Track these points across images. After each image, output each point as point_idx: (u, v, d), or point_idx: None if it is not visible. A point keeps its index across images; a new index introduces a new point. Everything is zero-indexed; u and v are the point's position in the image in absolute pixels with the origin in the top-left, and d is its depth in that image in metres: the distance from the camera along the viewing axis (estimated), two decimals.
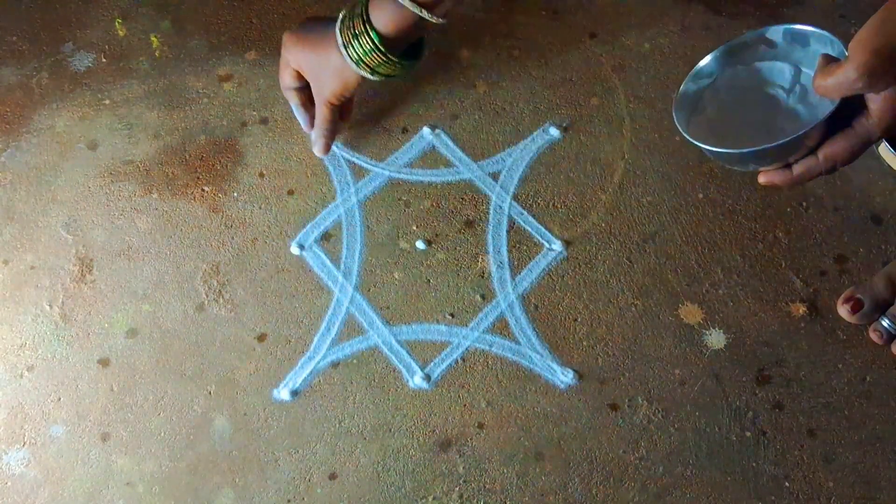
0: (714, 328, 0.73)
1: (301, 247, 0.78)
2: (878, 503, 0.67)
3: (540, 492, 0.69)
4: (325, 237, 0.78)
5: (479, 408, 0.71)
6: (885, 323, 0.69)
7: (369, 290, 0.76)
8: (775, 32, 0.59)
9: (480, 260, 0.77)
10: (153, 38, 0.89)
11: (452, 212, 0.79)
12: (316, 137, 0.77)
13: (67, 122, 0.85)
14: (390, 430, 0.71)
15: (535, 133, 0.81)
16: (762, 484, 0.68)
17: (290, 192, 0.80)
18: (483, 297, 0.75)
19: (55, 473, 0.71)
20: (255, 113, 0.84)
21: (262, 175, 0.81)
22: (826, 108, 0.53)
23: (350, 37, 0.66)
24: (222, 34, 0.89)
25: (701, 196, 0.78)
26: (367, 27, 0.65)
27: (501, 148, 0.81)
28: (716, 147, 0.56)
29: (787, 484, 0.68)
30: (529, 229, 0.77)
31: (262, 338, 0.75)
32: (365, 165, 0.81)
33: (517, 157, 0.80)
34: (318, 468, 0.70)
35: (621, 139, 0.81)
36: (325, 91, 0.72)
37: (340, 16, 0.68)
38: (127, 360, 0.75)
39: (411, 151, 0.81)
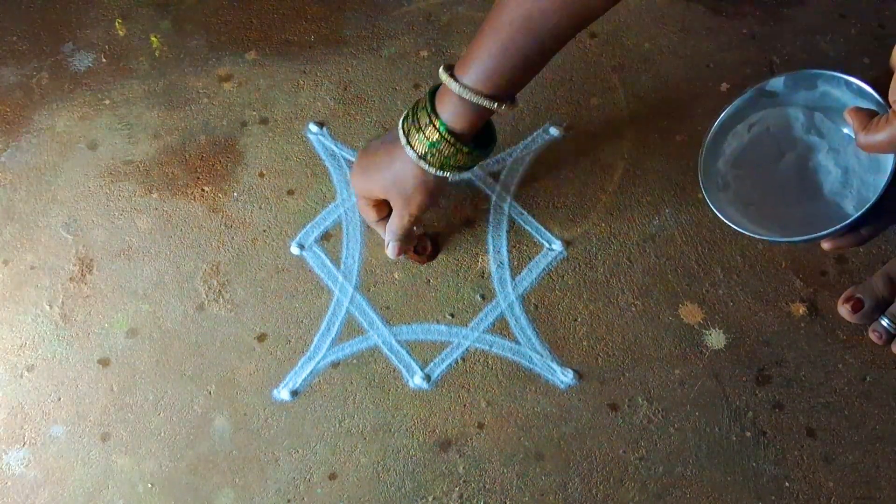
0: (714, 328, 0.73)
1: (301, 247, 0.78)
2: (878, 503, 0.67)
3: (540, 492, 0.69)
4: (325, 237, 0.78)
5: (479, 408, 0.71)
6: (885, 322, 0.69)
7: (369, 290, 0.76)
8: (775, 83, 0.57)
9: (480, 260, 0.77)
10: (153, 38, 0.89)
11: (452, 212, 0.78)
12: (393, 243, 0.70)
13: (67, 122, 0.85)
14: (390, 430, 0.71)
15: (535, 133, 0.81)
16: (762, 484, 0.68)
17: (290, 192, 0.80)
18: (483, 297, 0.75)
19: (55, 473, 0.71)
20: (255, 113, 0.84)
21: (262, 175, 0.81)
22: (850, 149, 0.53)
23: (419, 138, 0.62)
24: (222, 34, 0.89)
25: (701, 196, 0.77)
26: (437, 123, 0.61)
27: (501, 148, 0.81)
28: (780, 236, 0.55)
29: (787, 484, 0.68)
30: (529, 229, 0.77)
31: (262, 338, 0.75)
32: None
33: (517, 157, 0.80)
34: (318, 468, 0.70)
35: (621, 139, 0.81)
36: (412, 207, 0.66)
37: (401, 119, 0.63)
38: (127, 360, 0.75)
39: None
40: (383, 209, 0.70)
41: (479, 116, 0.61)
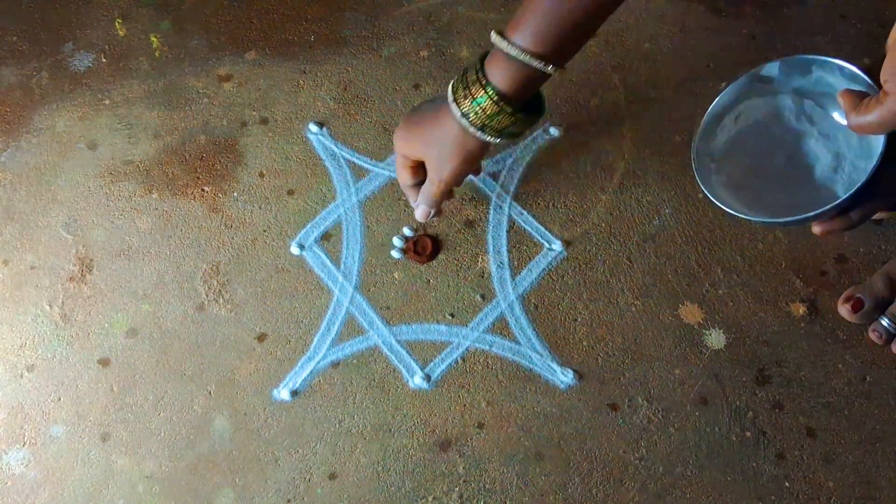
0: (714, 328, 0.73)
1: (301, 247, 0.78)
2: (877, 503, 0.67)
3: (540, 492, 0.69)
4: (325, 237, 0.78)
5: (479, 408, 0.71)
6: (885, 322, 0.69)
7: (369, 290, 0.76)
8: (770, 69, 0.58)
9: (480, 260, 0.77)
10: (153, 38, 0.89)
11: (452, 212, 0.78)
12: (422, 206, 0.71)
13: (67, 122, 0.85)
14: (390, 430, 0.71)
15: (535, 133, 0.81)
16: (762, 484, 0.68)
17: (290, 192, 0.80)
18: (483, 297, 0.75)
19: (55, 473, 0.71)
20: (255, 113, 0.84)
21: (262, 175, 0.81)
22: (841, 135, 0.52)
23: (465, 96, 0.61)
24: (222, 34, 0.89)
25: (701, 196, 0.78)
26: (484, 82, 0.60)
27: (501, 148, 0.81)
28: (770, 217, 0.55)
29: (787, 484, 0.68)
30: (529, 229, 0.77)
31: (262, 338, 0.75)
32: (365, 165, 0.81)
33: (517, 157, 0.80)
34: (318, 468, 0.70)
35: (621, 139, 0.81)
36: (445, 172, 0.66)
37: (452, 81, 0.63)
38: (127, 360, 0.75)
39: None
40: (418, 173, 0.70)
41: (528, 78, 0.60)
